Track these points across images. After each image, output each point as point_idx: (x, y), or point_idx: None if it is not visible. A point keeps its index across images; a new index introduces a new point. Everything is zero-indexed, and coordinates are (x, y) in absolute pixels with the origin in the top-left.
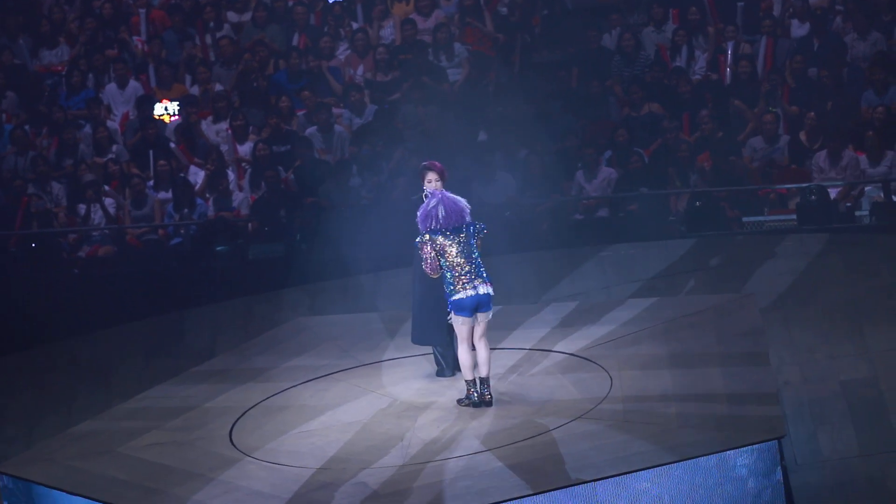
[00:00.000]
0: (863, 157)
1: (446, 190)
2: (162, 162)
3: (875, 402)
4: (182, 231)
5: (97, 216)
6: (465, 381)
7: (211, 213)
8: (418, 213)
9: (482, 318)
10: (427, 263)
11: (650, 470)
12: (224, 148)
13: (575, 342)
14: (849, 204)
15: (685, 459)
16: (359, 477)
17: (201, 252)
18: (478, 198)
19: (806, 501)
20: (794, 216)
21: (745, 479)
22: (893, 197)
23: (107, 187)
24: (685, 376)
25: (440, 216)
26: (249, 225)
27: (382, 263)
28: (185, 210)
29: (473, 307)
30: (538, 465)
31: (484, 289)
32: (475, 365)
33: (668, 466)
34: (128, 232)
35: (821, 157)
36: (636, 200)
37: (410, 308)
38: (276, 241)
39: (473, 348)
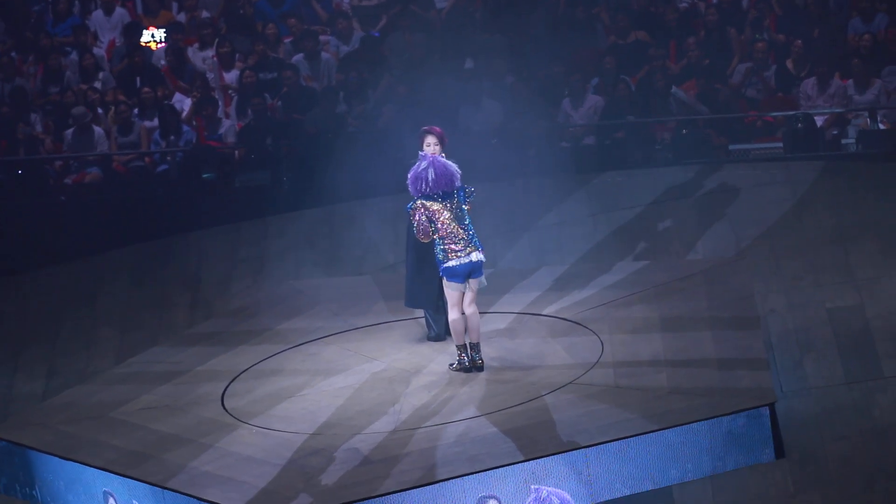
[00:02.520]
0: (850, 85)
1: (445, 154)
2: (146, 89)
3: (861, 330)
4: (168, 158)
5: (84, 143)
6: (456, 346)
7: (197, 140)
8: (408, 176)
9: (474, 285)
10: (419, 229)
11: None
12: (210, 76)
13: (566, 306)
14: (835, 132)
15: (676, 426)
16: (351, 442)
17: (188, 179)
18: (465, 125)
19: (792, 429)
20: (781, 144)
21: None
22: (880, 125)
23: (100, 110)
24: (676, 341)
25: (430, 179)
26: (236, 152)
27: (368, 190)
28: (172, 137)
29: (466, 274)
30: (530, 431)
31: (476, 256)
32: (466, 330)
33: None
34: (114, 159)
35: (808, 85)
36: (623, 128)
37: (405, 272)
38: (263, 168)
39: (463, 313)
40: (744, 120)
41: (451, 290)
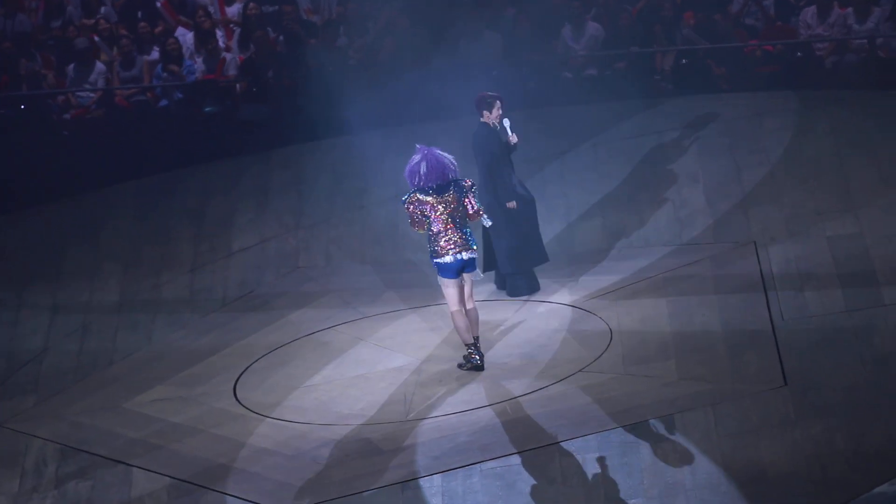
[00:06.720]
0: (849, 13)
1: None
2: (143, 24)
3: (861, 257)
4: (175, 91)
5: (87, 78)
6: (466, 344)
7: (199, 74)
8: (405, 170)
9: (468, 279)
10: (412, 221)
11: None
12: (211, 9)
13: (573, 292)
14: (835, 60)
15: (685, 411)
16: (362, 433)
17: (190, 113)
18: (464, 57)
19: (792, 357)
20: (780, 73)
21: None
22: (879, 53)
23: (97, 38)
24: (684, 327)
25: (422, 173)
26: (238, 86)
27: (368, 123)
28: (165, 75)
29: (459, 269)
30: (540, 419)
31: (468, 255)
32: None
33: None
34: (116, 93)
35: (808, 14)
36: (624, 58)
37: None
38: (264, 101)
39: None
40: (743, 49)
41: (446, 287)
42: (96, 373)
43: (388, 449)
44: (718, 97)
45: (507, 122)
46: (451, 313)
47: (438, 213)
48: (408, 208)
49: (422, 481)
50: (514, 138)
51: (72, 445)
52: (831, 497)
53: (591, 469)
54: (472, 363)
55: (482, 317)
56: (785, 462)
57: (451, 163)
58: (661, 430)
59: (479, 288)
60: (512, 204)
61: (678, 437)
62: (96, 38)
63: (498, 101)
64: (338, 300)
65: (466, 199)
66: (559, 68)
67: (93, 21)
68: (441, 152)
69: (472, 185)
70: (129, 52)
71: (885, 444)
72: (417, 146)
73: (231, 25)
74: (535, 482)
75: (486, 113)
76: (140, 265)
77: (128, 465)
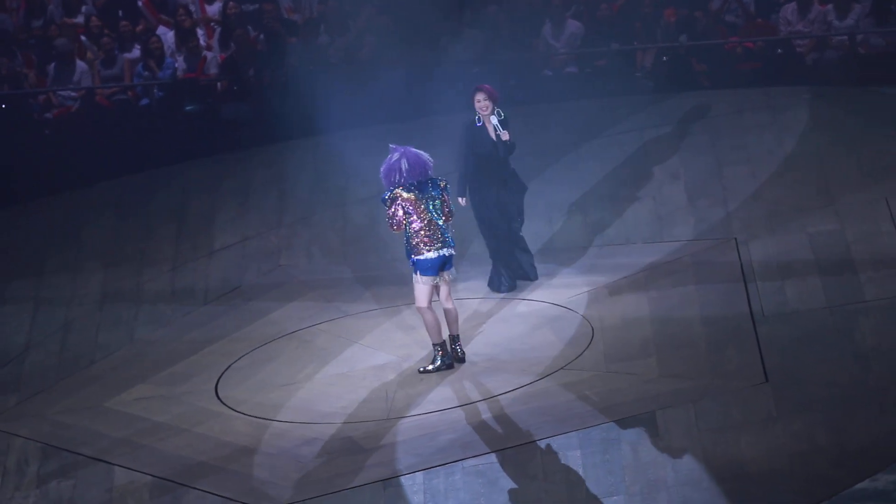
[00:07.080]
0: (829, 10)
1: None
2: (124, 22)
3: (841, 253)
4: (155, 90)
5: (69, 78)
6: (434, 344)
7: (180, 72)
8: (381, 170)
9: (447, 276)
10: (393, 220)
11: None
12: (192, 8)
13: (554, 290)
14: (815, 57)
15: (666, 408)
16: (343, 431)
17: (171, 112)
18: (447, 55)
19: (773, 353)
20: (761, 70)
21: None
22: (859, 49)
23: (84, 38)
24: (665, 324)
25: (403, 169)
26: (219, 84)
27: (350, 122)
28: (147, 74)
29: (439, 266)
30: (522, 417)
31: (448, 251)
32: (441, 325)
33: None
34: (97, 92)
35: (788, 10)
36: (605, 56)
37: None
38: (245, 100)
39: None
40: (724, 46)
41: (422, 283)
42: (78, 371)
43: (370, 447)
44: (699, 94)
45: (494, 119)
46: (421, 310)
47: (420, 210)
48: (390, 207)
49: (403, 479)
50: (504, 135)
51: (54, 444)
52: (813, 493)
53: (573, 466)
54: (443, 362)
55: (462, 314)
56: (766, 458)
57: (429, 160)
58: (643, 427)
59: (471, 286)
60: (462, 200)
61: (660, 434)
62: (83, 38)
63: (477, 94)
64: (319, 298)
65: (444, 198)
66: (540, 66)
67: (77, 20)
68: (419, 150)
69: (447, 184)
70: (111, 51)
71: (866, 440)
72: (391, 146)
73: (212, 24)
74: (516, 479)
75: (474, 107)
76: (122, 263)
77: (109, 463)
